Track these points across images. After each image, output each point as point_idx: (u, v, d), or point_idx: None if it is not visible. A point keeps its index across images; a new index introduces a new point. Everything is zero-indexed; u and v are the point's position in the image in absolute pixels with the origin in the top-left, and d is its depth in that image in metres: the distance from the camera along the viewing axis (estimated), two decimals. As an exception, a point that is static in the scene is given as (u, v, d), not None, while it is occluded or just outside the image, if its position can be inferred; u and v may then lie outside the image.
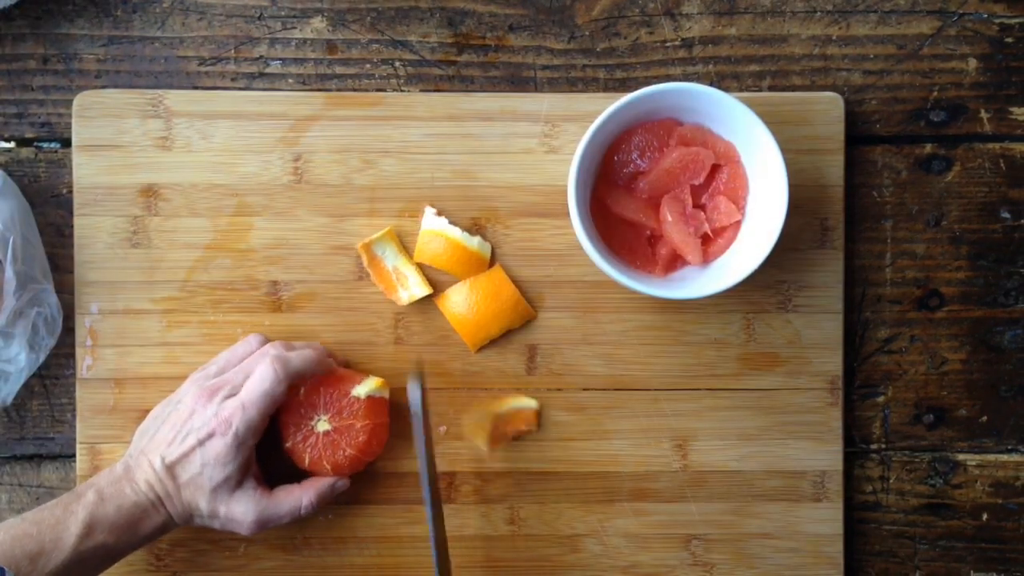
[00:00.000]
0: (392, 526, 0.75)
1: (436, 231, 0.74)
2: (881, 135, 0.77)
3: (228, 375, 0.69)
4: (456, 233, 0.73)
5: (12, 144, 0.76)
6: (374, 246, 0.74)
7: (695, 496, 0.76)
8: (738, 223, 0.72)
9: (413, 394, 0.69)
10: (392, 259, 0.74)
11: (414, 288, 0.74)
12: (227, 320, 0.75)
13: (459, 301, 0.74)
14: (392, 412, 0.75)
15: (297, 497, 0.70)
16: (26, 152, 0.76)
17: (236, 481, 0.67)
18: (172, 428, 0.67)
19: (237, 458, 0.66)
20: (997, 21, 0.77)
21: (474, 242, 0.74)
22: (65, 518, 0.64)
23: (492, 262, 0.75)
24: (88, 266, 0.74)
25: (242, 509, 0.68)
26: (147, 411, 0.74)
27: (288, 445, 0.71)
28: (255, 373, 0.68)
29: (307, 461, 0.71)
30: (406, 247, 0.75)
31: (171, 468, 0.66)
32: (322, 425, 0.70)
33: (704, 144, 0.71)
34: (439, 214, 0.74)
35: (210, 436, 0.66)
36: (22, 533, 0.63)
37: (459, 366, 0.75)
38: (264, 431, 0.68)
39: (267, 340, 0.73)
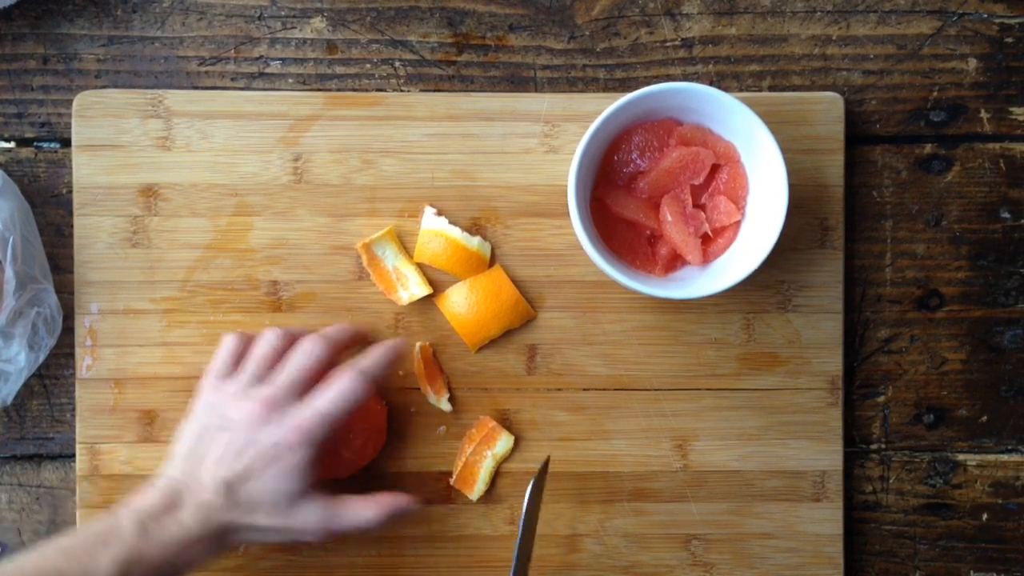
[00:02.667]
0: (392, 526, 0.75)
1: (436, 231, 0.74)
2: (881, 135, 0.77)
3: (281, 382, 0.65)
4: (456, 233, 0.73)
5: (12, 144, 0.76)
6: (374, 246, 0.74)
7: (695, 496, 0.76)
8: (738, 223, 0.72)
9: (530, 490, 0.67)
10: (392, 259, 0.74)
11: (414, 288, 0.74)
12: (227, 320, 0.75)
13: (459, 301, 0.74)
14: (390, 415, 0.75)
15: (361, 510, 0.65)
16: (26, 152, 0.76)
17: (304, 492, 0.63)
18: (228, 445, 0.63)
19: (310, 469, 0.63)
20: (997, 21, 0.77)
21: (474, 242, 0.74)
22: (97, 552, 0.59)
23: (492, 262, 0.75)
24: (88, 266, 0.74)
25: (313, 519, 0.63)
26: (147, 411, 0.74)
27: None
28: (335, 384, 0.64)
29: None
30: (406, 247, 0.75)
31: (232, 486, 0.62)
32: None
33: (704, 144, 0.71)
34: (439, 214, 0.74)
35: (286, 448, 0.62)
36: (50, 568, 0.58)
37: (459, 366, 0.75)
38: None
39: (288, 334, 0.68)
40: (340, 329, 0.69)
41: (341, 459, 0.70)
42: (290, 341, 0.68)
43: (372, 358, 0.66)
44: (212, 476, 0.63)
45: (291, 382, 0.65)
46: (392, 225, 0.75)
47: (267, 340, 0.68)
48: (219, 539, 0.63)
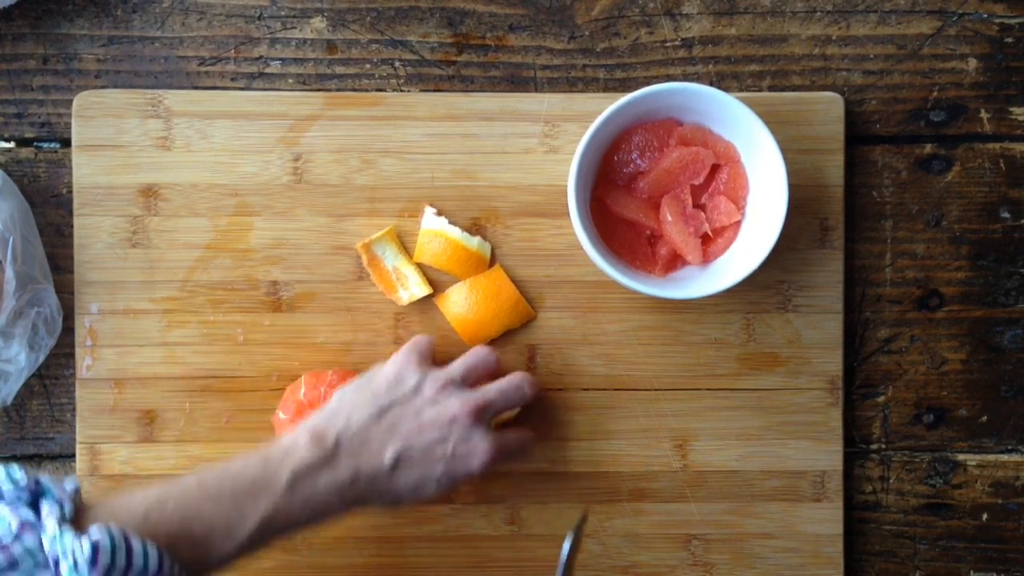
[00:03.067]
0: (392, 526, 0.75)
1: (436, 231, 0.74)
2: (881, 135, 0.77)
3: (492, 398, 0.67)
4: (456, 233, 0.73)
5: (12, 144, 0.76)
6: (374, 246, 0.74)
7: (695, 496, 0.76)
8: (738, 223, 0.72)
9: (567, 544, 0.67)
10: (392, 259, 0.74)
11: (414, 288, 0.74)
12: (227, 320, 0.75)
13: (459, 301, 0.74)
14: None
15: (521, 435, 0.69)
16: (26, 152, 0.76)
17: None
18: (409, 419, 0.64)
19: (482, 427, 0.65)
20: (997, 21, 0.77)
21: (474, 242, 0.74)
22: (246, 505, 0.59)
23: (492, 262, 0.75)
24: (88, 266, 0.74)
25: (483, 447, 0.65)
26: (147, 411, 0.74)
27: None
28: (513, 380, 0.68)
29: None
30: (406, 247, 0.75)
31: (400, 465, 0.63)
32: None
33: (704, 144, 0.71)
34: (439, 214, 0.74)
35: (454, 421, 0.64)
36: (194, 513, 0.57)
37: (459, 366, 0.75)
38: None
39: (498, 359, 0.70)
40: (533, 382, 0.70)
41: None
42: (497, 365, 0.70)
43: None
44: (385, 445, 0.63)
45: (497, 405, 0.67)
46: (392, 225, 0.75)
47: (481, 355, 0.69)
48: (360, 504, 0.64)
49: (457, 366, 0.68)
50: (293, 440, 0.63)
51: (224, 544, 0.58)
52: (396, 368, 0.67)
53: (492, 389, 0.67)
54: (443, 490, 0.65)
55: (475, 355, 0.69)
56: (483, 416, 0.66)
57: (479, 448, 0.65)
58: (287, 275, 0.75)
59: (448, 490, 0.66)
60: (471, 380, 0.68)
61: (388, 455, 0.63)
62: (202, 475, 0.60)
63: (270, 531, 0.60)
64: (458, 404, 0.65)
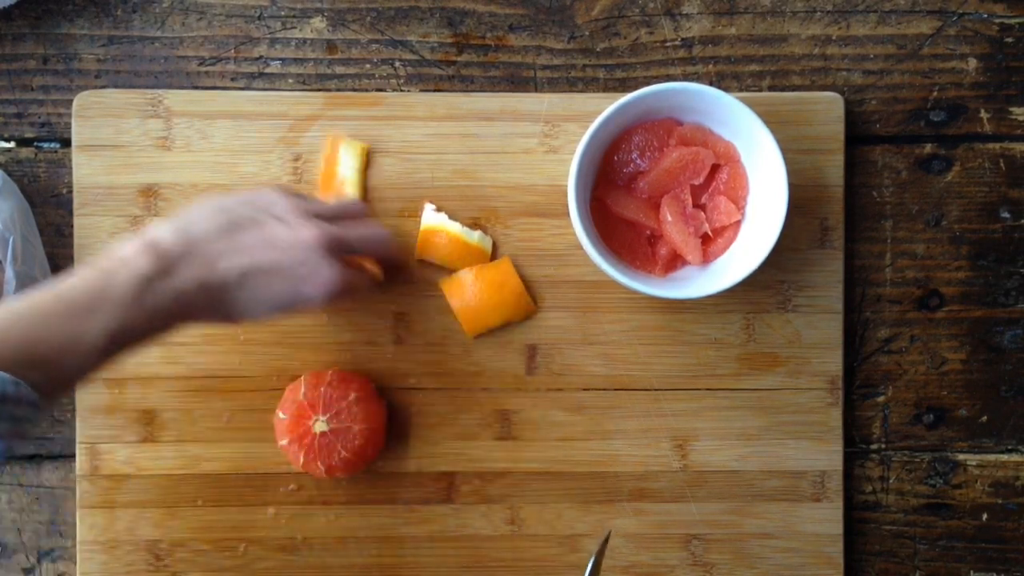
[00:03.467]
0: (392, 526, 0.75)
1: (436, 227, 0.74)
2: (881, 135, 0.77)
3: (349, 234, 0.65)
4: (456, 228, 0.73)
5: (12, 144, 0.76)
6: (343, 145, 0.73)
7: (695, 496, 0.76)
8: (738, 223, 0.72)
9: (591, 564, 0.67)
10: (348, 169, 0.73)
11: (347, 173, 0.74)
12: (227, 320, 0.75)
13: (463, 287, 0.74)
14: (390, 416, 0.75)
15: (366, 272, 0.69)
16: (26, 152, 0.76)
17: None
18: (265, 243, 0.62)
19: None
20: (997, 21, 0.77)
21: (475, 236, 0.74)
22: (86, 319, 0.55)
23: (493, 257, 0.75)
24: (88, 266, 0.74)
25: (328, 273, 0.63)
26: (147, 411, 0.74)
27: (284, 443, 0.71)
28: (373, 228, 0.68)
29: (301, 461, 0.71)
30: (408, 245, 0.75)
31: (244, 280, 0.61)
32: (320, 426, 0.70)
33: (704, 144, 0.71)
34: (438, 210, 0.74)
35: (295, 246, 0.62)
36: (36, 336, 0.54)
37: (459, 366, 0.75)
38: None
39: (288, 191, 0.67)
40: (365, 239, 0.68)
41: (342, 460, 0.70)
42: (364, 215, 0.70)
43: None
44: (228, 260, 0.61)
45: (352, 243, 0.65)
46: (368, 147, 0.74)
47: (352, 204, 0.70)
48: (203, 314, 0.61)
49: (322, 203, 0.67)
50: (133, 250, 0.59)
51: (73, 360, 0.55)
52: (256, 190, 0.66)
53: (353, 230, 0.66)
54: (279, 312, 0.63)
55: (345, 202, 0.69)
56: (335, 248, 0.63)
57: (324, 274, 0.62)
58: (287, 275, 0.75)
59: (284, 313, 0.63)
60: (332, 220, 0.66)
61: (234, 269, 0.61)
62: (35, 299, 0.56)
63: (118, 343, 0.57)
64: (312, 230, 0.63)
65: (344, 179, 0.74)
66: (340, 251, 0.64)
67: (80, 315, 0.56)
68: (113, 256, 0.59)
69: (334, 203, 0.69)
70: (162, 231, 0.61)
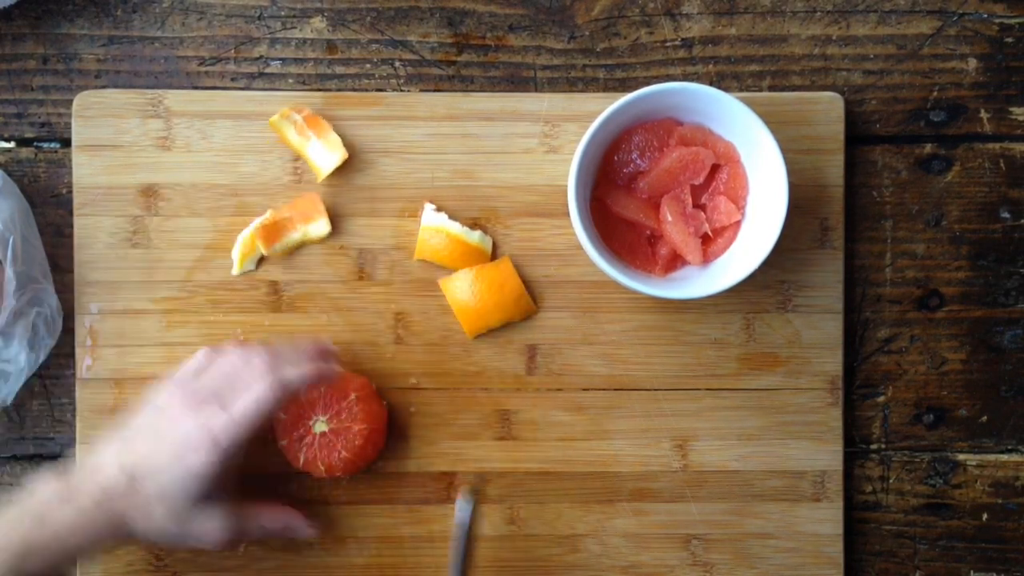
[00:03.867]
0: (392, 526, 0.75)
1: (436, 227, 0.74)
2: (881, 135, 0.77)
3: (213, 383, 0.65)
4: (456, 228, 0.73)
5: (12, 144, 0.76)
6: (281, 122, 0.73)
7: (695, 496, 0.76)
8: (738, 223, 0.72)
9: (462, 511, 0.68)
10: (294, 136, 0.73)
11: (323, 161, 0.73)
12: (227, 320, 0.75)
13: (463, 287, 0.74)
14: (390, 416, 0.75)
15: (264, 515, 0.68)
16: (26, 152, 0.76)
17: (209, 497, 0.63)
18: (146, 438, 0.63)
19: (216, 474, 0.62)
20: (997, 21, 0.77)
21: (474, 236, 0.74)
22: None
23: (493, 257, 0.75)
24: (88, 266, 0.74)
25: (212, 525, 0.64)
26: (147, 411, 0.74)
27: (283, 443, 0.71)
28: (251, 391, 0.63)
29: (301, 461, 0.71)
30: (406, 245, 0.75)
31: (137, 481, 0.62)
32: (320, 426, 0.70)
33: (704, 144, 0.71)
34: (438, 210, 0.74)
35: (189, 448, 0.62)
36: None
37: (459, 366, 0.75)
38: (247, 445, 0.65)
39: (272, 354, 0.66)
40: (293, 347, 0.68)
41: (342, 459, 0.70)
42: (271, 359, 0.66)
43: (298, 371, 0.65)
44: (118, 460, 0.62)
45: (219, 387, 0.64)
46: (290, 105, 0.73)
47: (241, 358, 0.66)
48: (116, 528, 0.62)
49: (204, 376, 0.66)
50: (43, 477, 0.63)
51: None
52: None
53: (212, 375, 0.65)
54: (198, 492, 0.62)
55: (221, 359, 0.67)
56: (196, 402, 0.63)
57: (194, 427, 0.62)
58: (287, 275, 0.75)
59: (207, 489, 0.63)
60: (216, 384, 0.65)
61: (121, 472, 0.62)
62: None
63: (27, 564, 0.60)
64: (179, 397, 0.64)
65: (300, 147, 0.73)
66: (216, 399, 0.63)
67: None
68: (27, 487, 0.63)
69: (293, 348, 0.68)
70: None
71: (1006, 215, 0.77)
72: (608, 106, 0.68)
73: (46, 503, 0.61)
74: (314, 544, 0.75)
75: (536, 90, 0.77)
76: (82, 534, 0.61)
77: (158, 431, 0.63)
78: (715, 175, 0.72)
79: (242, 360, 0.66)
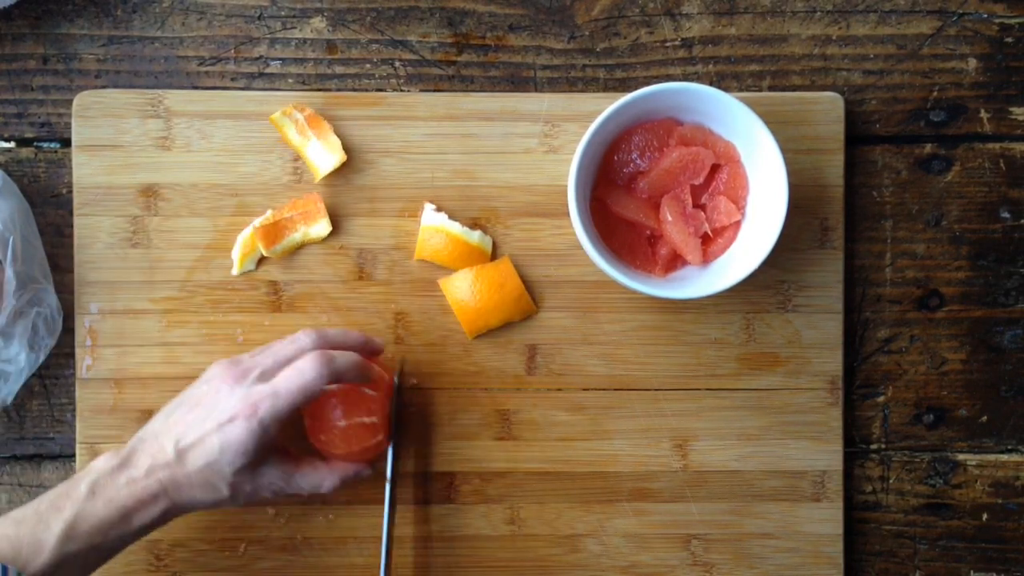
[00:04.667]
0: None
1: (436, 227, 0.74)
2: (881, 135, 0.77)
3: (260, 358, 0.66)
4: (456, 228, 0.73)
5: (12, 144, 0.76)
6: (280, 120, 0.73)
7: (695, 496, 0.76)
8: (738, 223, 0.72)
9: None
10: (295, 136, 0.73)
11: (322, 162, 0.73)
12: (227, 320, 0.75)
13: (463, 287, 0.74)
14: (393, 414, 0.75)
15: (322, 475, 0.67)
16: (26, 152, 0.76)
17: (256, 463, 0.64)
18: (191, 409, 0.64)
19: (257, 446, 0.63)
20: (997, 21, 0.77)
21: (475, 236, 0.74)
22: (48, 517, 0.61)
23: (493, 257, 0.75)
24: (88, 266, 0.74)
25: (267, 481, 0.65)
26: (147, 411, 0.74)
27: (322, 438, 0.70)
28: (296, 364, 0.64)
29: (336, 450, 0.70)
30: (406, 245, 0.75)
31: (183, 453, 0.63)
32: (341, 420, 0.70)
33: (704, 144, 0.71)
34: (438, 210, 0.74)
35: (231, 420, 0.63)
36: (1, 535, 0.60)
37: (459, 366, 0.75)
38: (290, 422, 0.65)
39: (321, 337, 0.68)
40: (343, 332, 0.69)
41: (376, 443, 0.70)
42: (320, 342, 0.68)
43: (347, 356, 0.66)
44: (172, 437, 0.64)
45: (266, 364, 0.65)
46: (295, 102, 0.74)
47: (296, 340, 0.68)
48: (169, 497, 0.64)
49: (259, 355, 0.67)
50: (104, 454, 0.65)
51: (35, 557, 0.60)
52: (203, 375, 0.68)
53: (266, 355, 0.66)
54: (243, 461, 0.63)
55: (285, 340, 0.68)
56: (242, 379, 0.64)
57: (238, 401, 0.63)
58: (287, 275, 0.75)
59: (251, 458, 0.63)
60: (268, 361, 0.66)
61: (170, 444, 0.64)
62: (19, 508, 0.63)
63: (77, 536, 0.61)
64: (222, 372, 0.65)
65: (301, 147, 0.73)
66: (261, 376, 0.65)
67: (45, 514, 0.62)
68: (88, 465, 0.65)
69: (286, 345, 0.68)
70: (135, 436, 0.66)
71: (1006, 215, 0.77)
72: (608, 106, 0.68)
73: (101, 473, 0.63)
74: (314, 544, 0.75)
75: (536, 90, 0.77)
76: (134, 503, 0.63)
77: (203, 403, 0.64)
78: (715, 175, 0.72)
79: (291, 341, 0.67)
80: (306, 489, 0.67)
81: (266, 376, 0.65)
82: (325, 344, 0.67)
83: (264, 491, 0.66)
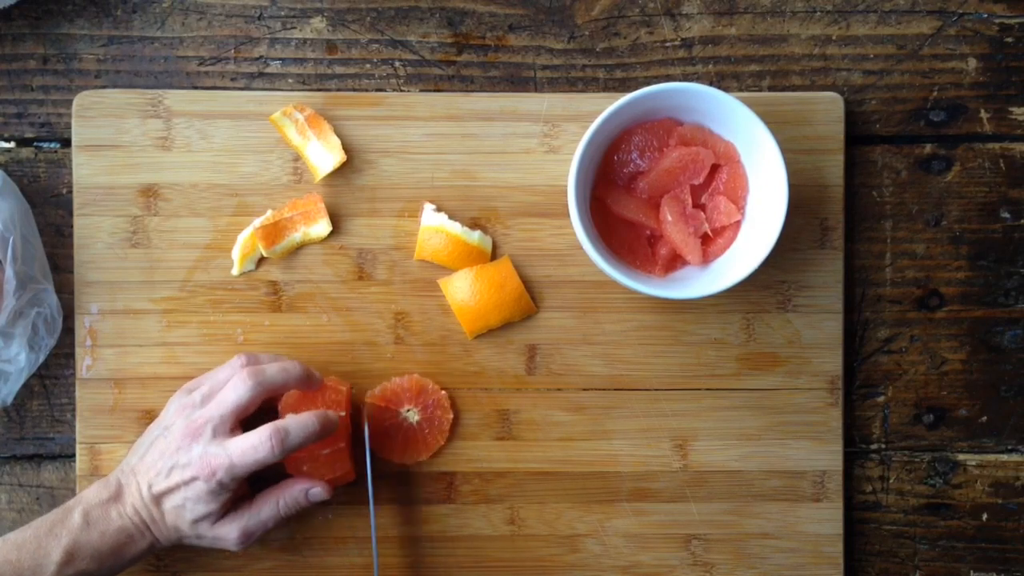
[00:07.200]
0: (392, 526, 0.75)
1: (436, 227, 0.74)
2: (881, 135, 0.77)
3: (209, 412, 0.67)
4: (456, 228, 0.73)
5: (12, 144, 0.76)
6: (281, 120, 0.73)
7: (695, 496, 0.76)
8: (738, 223, 0.72)
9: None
10: (295, 136, 0.73)
11: (322, 162, 0.73)
12: (227, 320, 0.75)
13: (463, 288, 0.74)
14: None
15: (274, 501, 0.69)
16: (26, 152, 0.76)
17: (220, 514, 0.67)
18: (160, 457, 0.66)
19: (220, 499, 0.66)
20: (997, 21, 0.77)
21: (474, 236, 0.74)
22: (48, 543, 0.64)
23: (493, 257, 0.75)
24: (88, 266, 0.74)
25: (226, 529, 0.67)
26: (147, 411, 0.74)
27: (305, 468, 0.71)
28: (228, 385, 0.67)
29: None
30: (406, 245, 0.75)
31: (157, 497, 0.66)
32: (412, 415, 0.74)
33: (704, 144, 0.71)
34: (438, 210, 0.74)
35: (194, 479, 0.65)
36: (2, 560, 0.63)
37: (459, 366, 0.75)
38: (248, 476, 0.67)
39: (254, 359, 0.70)
40: (283, 369, 0.68)
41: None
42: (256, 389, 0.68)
43: (298, 429, 0.66)
44: (147, 481, 0.66)
45: (215, 415, 0.66)
46: (297, 101, 0.74)
47: (230, 365, 0.70)
48: (157, 534, 0.67)
49: (203, 382, 0.70)
50: (94, 484, 0.68)
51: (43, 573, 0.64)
52: (167, 405, 0.71)
53: (213, 403, 0.67)
54: (212, 510, 0.66)
55: (224, 366, 0.70)
56: (197, 434, 0.66)
57: (198, 461, 0.65)
58: (287, 275, 0.75)
59: (219, 507, 0.66)
60: (213, 394, 0.68)
61: (145, 486, 0.66)
62: (14, 532, 0.65)
63: (75, 563, 0.65)
64: (182, 425, 0.66)
65: (300, 147, 0.73)
66: (217, 428, 0.66)
67: (43, 540, 0.65)
68: (80, 494, 0.68)
69: (225, 371, 0.70)
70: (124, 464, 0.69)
71: (1006, 215, 0.77)
72: (608, 106, 0.68)
73: (93, 504, 0.66)
74: (314, 544, 0.75)
75: (536, 90, 0.77)
76: (126, 537, 0.66)
77: (167, 454, 0.66)
78: (715, 175, 0.72)
79: (230, 372, 0.69)
80: (267, 520, 0.69)
81: (222, 428, 0.66)
82: (263, 390, 0.67)
83: (224, 536, 0.68)
